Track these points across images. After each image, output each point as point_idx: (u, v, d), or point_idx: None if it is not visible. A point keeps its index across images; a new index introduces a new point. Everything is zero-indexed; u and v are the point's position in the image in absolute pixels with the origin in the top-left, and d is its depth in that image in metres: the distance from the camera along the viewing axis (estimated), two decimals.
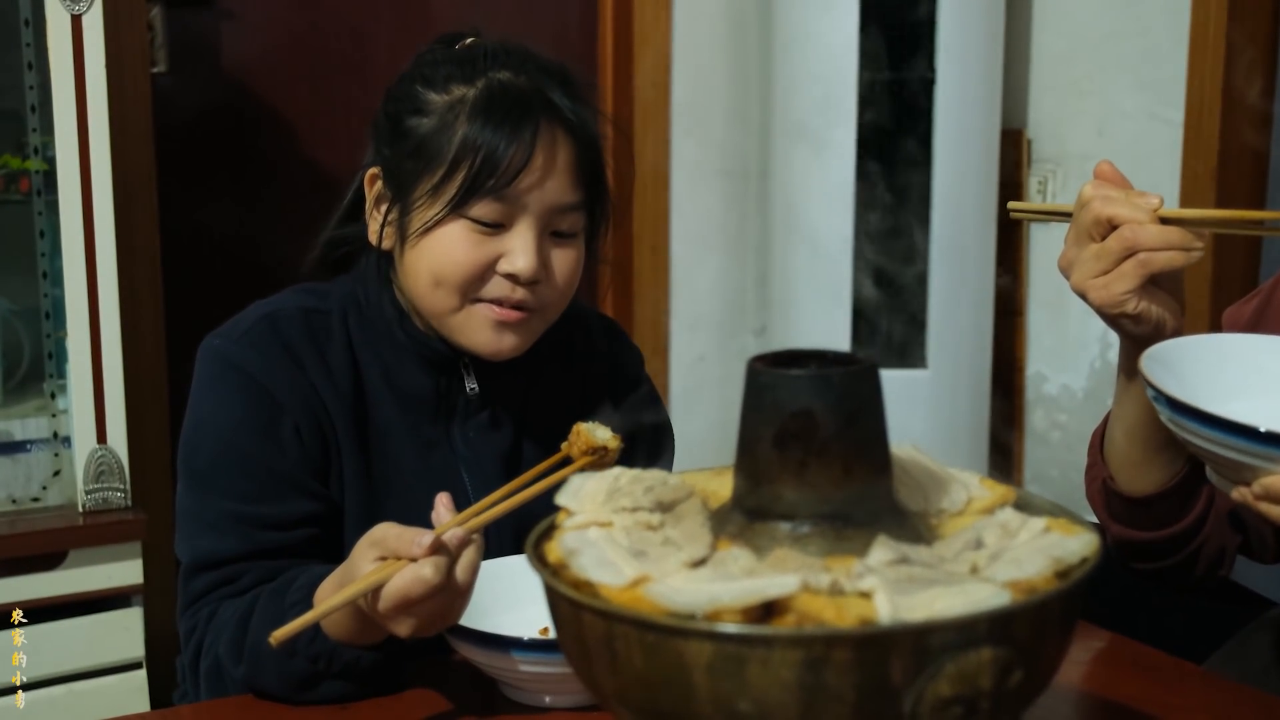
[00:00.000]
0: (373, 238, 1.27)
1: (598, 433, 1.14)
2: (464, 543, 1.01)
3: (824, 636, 0.65)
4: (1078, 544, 0.74)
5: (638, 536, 0.76)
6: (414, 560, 0.98)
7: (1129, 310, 1.11)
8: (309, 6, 2.72)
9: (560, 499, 0.83)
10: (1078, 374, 2.93)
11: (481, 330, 1.23)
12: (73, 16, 1.97)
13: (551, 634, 1.13)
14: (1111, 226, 1.10)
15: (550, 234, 1.23)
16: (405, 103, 1.24)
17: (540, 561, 0.77)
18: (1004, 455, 3.04)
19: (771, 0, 2.83)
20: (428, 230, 1.20)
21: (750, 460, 0.77)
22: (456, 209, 1.19)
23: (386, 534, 1.01)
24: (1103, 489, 1.26)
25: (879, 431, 0.77)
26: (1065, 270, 1.15)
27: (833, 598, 0.68)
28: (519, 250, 1.20)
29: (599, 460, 1.13)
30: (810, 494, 0.75)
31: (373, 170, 1.27)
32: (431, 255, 1.21)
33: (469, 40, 1.28)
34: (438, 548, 0.99)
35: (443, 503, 1.04)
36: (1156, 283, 1.12)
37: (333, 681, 1.08)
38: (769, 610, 0.68)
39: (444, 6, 2.83)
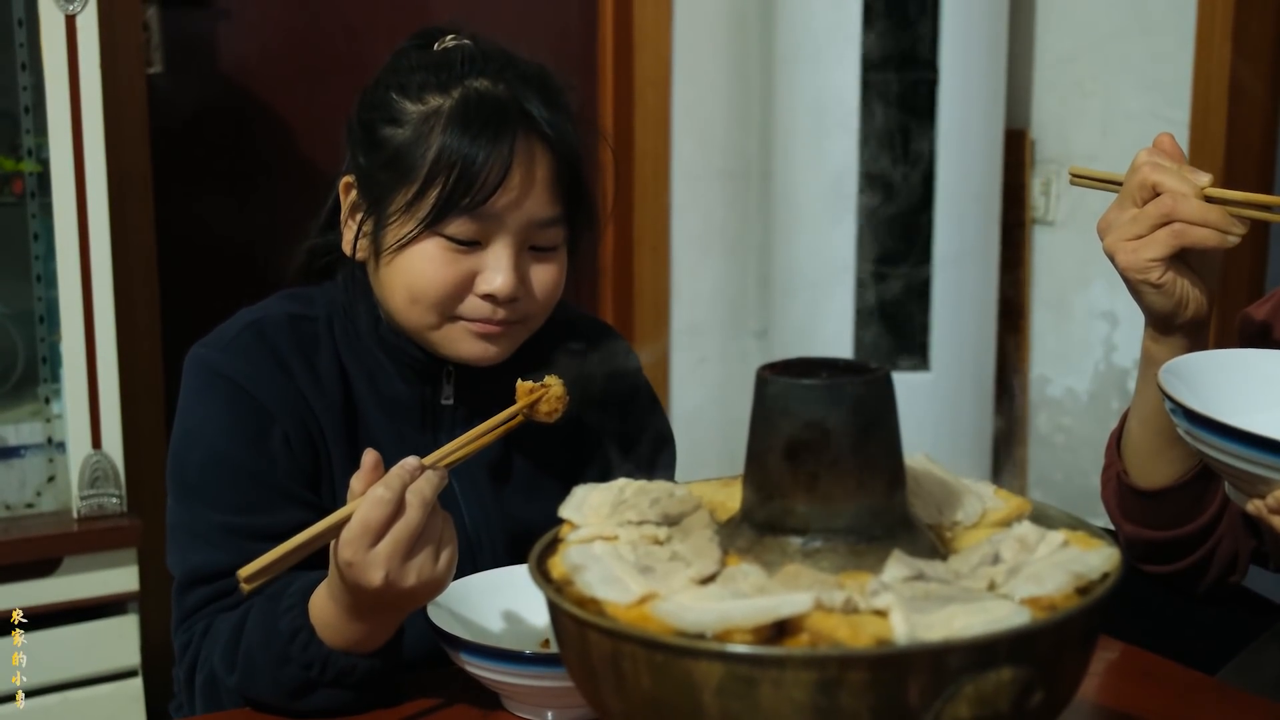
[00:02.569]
0: (346, 248, 1.23)
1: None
2: (416, 470, 1.00)
3: (839, 657, 0.63)
4: (1098, 559, 0.72)
5: (644, 551, 0.74)
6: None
7: (1153, 278, 1.11)
8: (306, 5, 2.70)
9: (563, 511, 0.81)
10: (1081, 377, 2.91)
11: (462, 342, 1.20)
12: (67, 16, 1.95)
13: (552, 646, 1.11)
14: (1156, 194, 1.09)
15: (529, 248, 1.20)
16: (380, 111, 1.20)
17: (544, 577, 0.74)
18: (1007, 459, 3.02)
19: (773, 0, 2.81)
20: (402, 247, 1.17)
21: (760, 472, 0.75)
22: (431, 226, 1.15)
23: (354, 485, 1.01)
24: (1117, 485, 1.25)
25: (893, 443, 0.74)
26: (1102, 232, 1.15)
27: (847, 616, 0.65)
28: (495, 269, 1.17)
29: (542, 396, 1.12)
30: (822, 508, 0.72)
31: (347, 178, 1.24)
32: (406, 273, 1.18)
33: (448, 39, 1.24)
34: (375, 460, 1.00)
35: (367, 461, 1.03)
36: (1187, 262, 1.11)
37: (327, 690, 1.06)
38: (781, 629, 0.65)
39: (441, 6, 2.81)
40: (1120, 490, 1.24)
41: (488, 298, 1.18)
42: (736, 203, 3.08)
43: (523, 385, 1.12)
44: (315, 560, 1.18)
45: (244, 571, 0.96)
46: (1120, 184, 1.16)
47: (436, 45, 1.24)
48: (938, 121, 2.63)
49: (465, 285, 1.18)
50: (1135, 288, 1.13)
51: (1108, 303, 2.83)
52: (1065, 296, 2.92)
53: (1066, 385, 2.95)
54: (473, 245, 1.17)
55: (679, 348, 3.08)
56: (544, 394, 1.12)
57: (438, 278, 1.17)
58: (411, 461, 1.00)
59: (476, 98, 1.17)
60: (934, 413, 2.71)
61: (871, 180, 2.65)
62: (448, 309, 1.18)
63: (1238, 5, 2.48)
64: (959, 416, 2.76)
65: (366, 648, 1.06)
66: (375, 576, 0.98)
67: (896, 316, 2.70)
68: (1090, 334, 2.88)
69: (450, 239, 1.16)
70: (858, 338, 2.70)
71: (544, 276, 1.20)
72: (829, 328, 2.70)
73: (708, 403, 3.09)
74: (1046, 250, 2.95)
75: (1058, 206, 2.91)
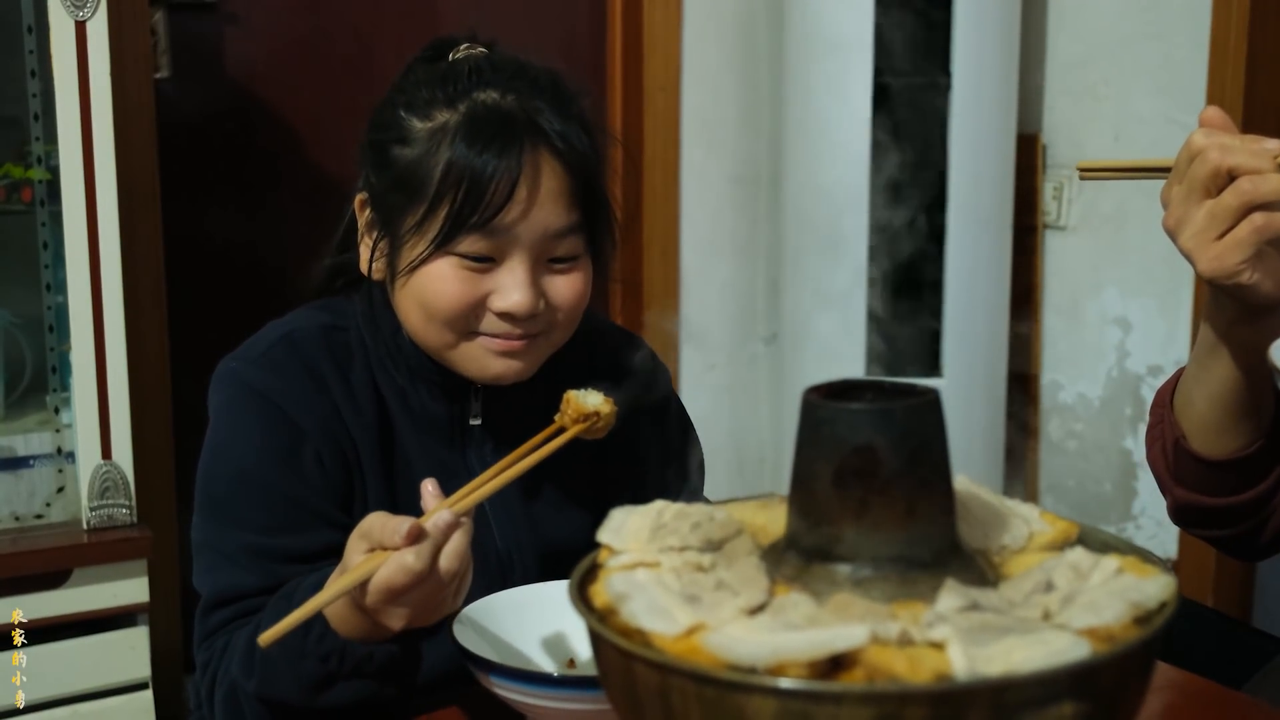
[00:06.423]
0: (363, 266, 1.22)
1: (589, 399, 1.10)
2: (450, 527, 0.97)
3: (898, 694, 0.61)
4: (1155, 587, 0.70)
5: (688, 579, 0.72)
6: (397, 550, 0.95)
7: (1244, 280, 1.01)
8: (313, 9, 2.69)
9: (602, 536, 0.79)
10: (1094, 382, 2.90)
11: (481, 359, 1.18)
12: (76, 23, 1.93)
13: (578, 665, 1.10)
14: (1230, 178, 0.99)
15: (548, 261, 1.17)
16: (389, 130, 1.19)
17: (586, 606, 0.73)
18: (1019, 464, 3.00)
19: (783, 4, 2.80)
20: (415, 268, 1.15)
21: (807, 498, 0.73)
22: (442, 246, 1.13)
23: (373, 524, 0.97)
24: (1173, 449, 1.18)
25: (943, 467, 0.73)
26: (1171, 231, 1.04)
27: (903, 649, 0.64)
28: (511, 287, 1.14)
29: (591, 426, 1.09)
30: (872, 535, 0.71)
31: (361, 196, 1.22)
32: (421, 293, 1.16)
33: (462, 48, 1.22)
34: (418, 534, 0.95)
35: (428, 490, 1.01)
36: (1274, 243, 1.01)
37: (348, 681, 1.04)
38: (835, 662, 0.64)
39: (450, 10, 2.79)
40: (1177, 454, 1.17)
41: (504, 316, 1.15)
42: (746, 208, 3.07)
43: (573, 400, 1.08)
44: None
45: (265, 638, 0.93)
46: (1135, 170, 1.10)
47: (451, 55, 1.22)
48: (949, 126, 2.62)
49: (480, 304, 1.16)
50: (1223, 290, 1.03)
51: (1120, 308, 2.82)
52: (1077, 301, 2.90)
53: (1078, 391, 2.93)
54: (486, 262, 1.15)
55: (688, 353, 3.06)
56: (595, 422, 1.09)
57: (451, 297, 1.14)
58: (445, 516, 0.97)
59: (483, 111, 1.14)
60: (946, 418, 2.69)
61: (883, 185, 2.63)
62: (463, 327, 1.16)
63: (1252, 9, 2.47)
64: (971, 422, 2.75)
65: (381, 636, 1.04)
66: (395, 625, 0.98)
67: (908, 322, 2.69)
68: (1102, 339, 2.86)
69: (463, 257, 1.14)
70: (869, 343, 2.68)
71: (564, 288, 1.18)
72: (840, 333, 2.68)
73: (717, 408, 3.07)
74: (1058, 255, 2.93)
75: (1069, 211, 2.89)
